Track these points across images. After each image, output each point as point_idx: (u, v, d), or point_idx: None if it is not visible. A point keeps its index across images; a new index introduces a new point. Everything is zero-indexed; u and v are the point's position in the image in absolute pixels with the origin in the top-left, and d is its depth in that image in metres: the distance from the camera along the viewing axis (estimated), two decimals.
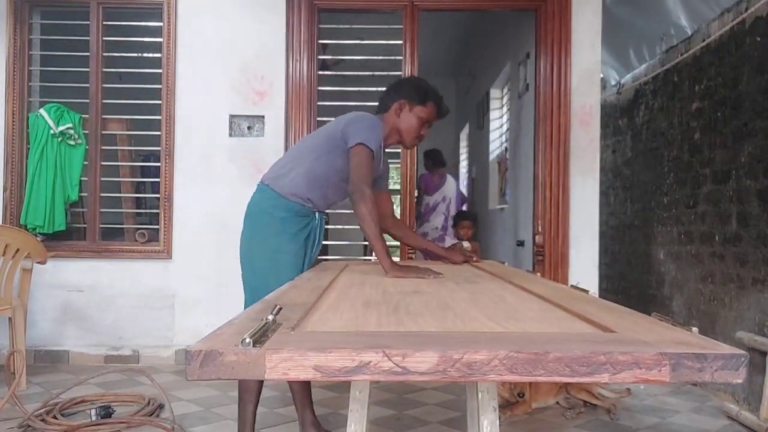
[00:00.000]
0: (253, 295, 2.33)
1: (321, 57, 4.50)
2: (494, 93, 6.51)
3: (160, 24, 4.15)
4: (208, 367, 0.89)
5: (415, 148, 4.13)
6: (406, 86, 2.50)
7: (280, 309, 1.13)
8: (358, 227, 2.26)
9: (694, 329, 0.98)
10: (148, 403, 3.08)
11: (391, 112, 2.45)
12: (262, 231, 2.39)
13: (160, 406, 3.09)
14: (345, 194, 2.47)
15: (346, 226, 4.53)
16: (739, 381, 0.84)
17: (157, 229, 4.20)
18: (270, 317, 1.06)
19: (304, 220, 2.42)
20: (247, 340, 0.91)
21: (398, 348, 0.87)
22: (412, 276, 1.97)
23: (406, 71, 4.13)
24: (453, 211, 5.51)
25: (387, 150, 2.57)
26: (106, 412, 2.86)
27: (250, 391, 2.41)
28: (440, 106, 2.48)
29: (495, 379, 0.86)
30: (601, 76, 4.60)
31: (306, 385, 2.60)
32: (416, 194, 4.61)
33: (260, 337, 0.95)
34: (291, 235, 2.38)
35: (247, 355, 0.89)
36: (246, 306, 2.40)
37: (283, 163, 2.52)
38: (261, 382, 2.42)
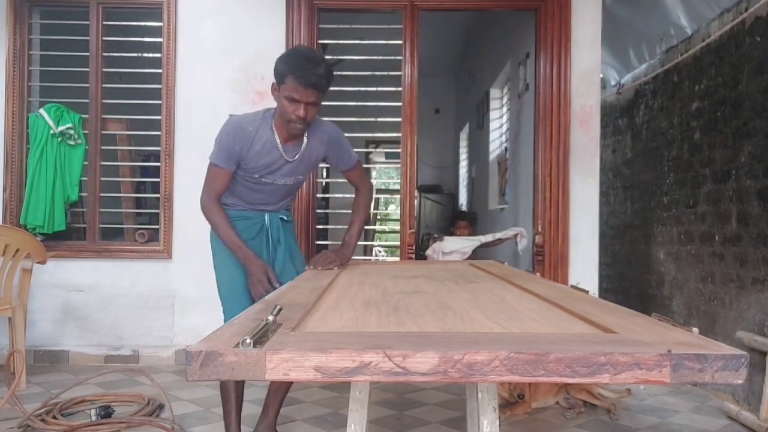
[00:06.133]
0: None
1: None
2: (494, 93, 6.51)
3: (160, 24, 4.14)
4: (209, 367, 0.89)
5: (415, 146, 4.14)
6: (275, 65, 2.23)
7: (280, 309, 1.13)
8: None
9: (695, 330, 0.98)
10: (148, 403, 3.08)
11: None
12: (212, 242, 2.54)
13: (160, 406, 3.09)
14: (273, 188, 2.43)
15: (345, 227, 4.52)
16: (740, 382, 0.84)
17: (157, 229, 4.20)
18: (270, 317, 1.06)
19: (246, 222, 2.45)
20: (248, 340, 0.91)
21: (399, 348, 0.87)
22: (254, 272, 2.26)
23: (406, 71, 4.12)
24: None
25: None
26: (106, 412, 2.86)
27: (230, 402, 2.42)
28: (299, 76, 2.13)
29: (495, 379, 0.86)
30: (601, 76, 4.60)
31: (283, 387, 2.57)
32: None
33: (260, 338, 0.95)
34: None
35: (247, 355, 0.89)
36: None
37: None
38: (242, 391, 2.46)
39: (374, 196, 2.61)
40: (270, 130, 2.32)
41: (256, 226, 2.47)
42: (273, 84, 2.28)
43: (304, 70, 2.15)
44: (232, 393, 2.41)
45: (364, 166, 2.69)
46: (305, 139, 2.38)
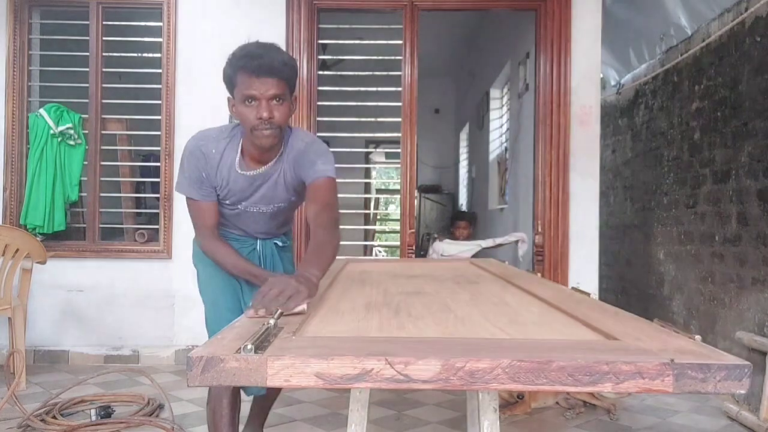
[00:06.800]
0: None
1: (321, 57, 4.49)
2: (494, 93, 6.51)
3: (160, 24, 4.14)
4: (209, 373, 0.89)
5: (415, 146, 4.14)
6: (222, 74, 1.86)
7: (282, 313, 1.13)
8: (354, 227, 2.18)
9: (697, 337, 0.98)
10: (148, 403, 3.08)
11: None
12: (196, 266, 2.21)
13: (160, 406, 3.09)
14: (254, 216, 2.07)
15: (345, 227, 4.52)
16: (743, 392, 0.83)
17: (157, 229, 4.20)
18: (271, 321, 1.06)
19: (235, 244, 2.10)
20: (249, 346, 0.91)
21: (401, 356, 0.87)
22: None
23: (406, 71, 4.12)
24: None
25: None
26: (105, 412, 2.86)
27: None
28: (248, 67, 1.75)
29: (497, 387, 0.86)
30: (601, 76, 4.60)
31: (267, 403, 2.40)
32: None
33: (261, 343, 0.95)
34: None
35: (248, 361, 0.89)
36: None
37: None
38: (237, 413, 2.07)
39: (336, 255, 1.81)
40: (235, 151, 1.91)
41: (244, 250, 2.11)
42: (228, 99, 1.87)
43: (251, 58, 1.76)
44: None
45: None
46: (279, 159, 1.93)
